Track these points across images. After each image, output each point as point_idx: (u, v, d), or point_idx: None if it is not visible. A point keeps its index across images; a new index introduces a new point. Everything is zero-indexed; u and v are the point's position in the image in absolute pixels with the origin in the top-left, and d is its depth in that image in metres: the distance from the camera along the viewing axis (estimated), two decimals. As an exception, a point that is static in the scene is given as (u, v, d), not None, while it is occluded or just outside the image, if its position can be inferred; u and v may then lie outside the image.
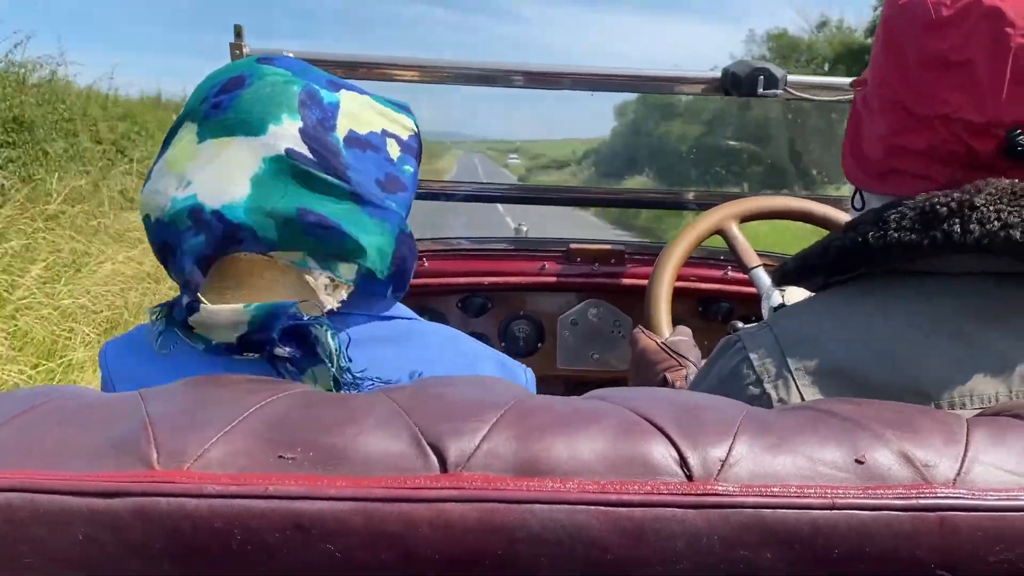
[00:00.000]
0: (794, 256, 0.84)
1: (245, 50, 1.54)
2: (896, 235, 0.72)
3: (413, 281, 1.81)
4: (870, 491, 0.48)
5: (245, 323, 0.74)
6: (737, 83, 1.58)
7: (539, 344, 1.89)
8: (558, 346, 1.88)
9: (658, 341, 1.30)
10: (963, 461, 0.51)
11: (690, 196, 2.07)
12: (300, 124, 0.78)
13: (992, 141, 0.73)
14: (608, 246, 1.88)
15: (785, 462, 0.50)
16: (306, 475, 0.47)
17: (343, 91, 0.83)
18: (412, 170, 0.85)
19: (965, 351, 0.72)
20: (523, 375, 0.90)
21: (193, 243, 0.77)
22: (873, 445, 0.51)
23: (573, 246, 1.87)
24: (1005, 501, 0.49)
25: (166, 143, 0.83)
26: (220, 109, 0.79)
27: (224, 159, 0.77)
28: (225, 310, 0.75)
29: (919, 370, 0.72)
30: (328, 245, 0.78)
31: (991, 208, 0.69)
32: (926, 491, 0.49)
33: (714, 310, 1.86)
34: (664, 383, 1.25)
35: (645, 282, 1.50)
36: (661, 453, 0.49)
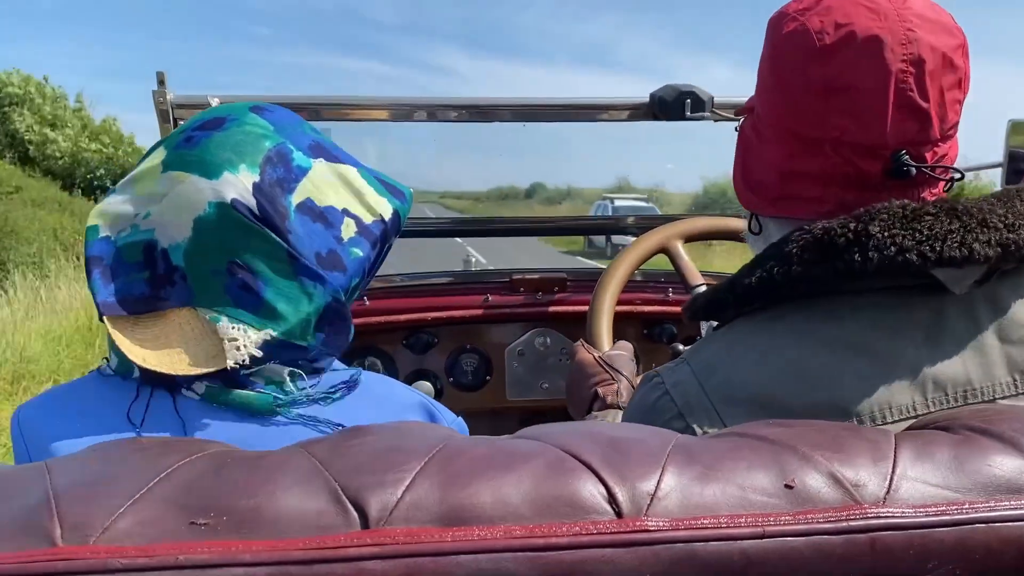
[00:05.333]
0: (703, 293, 0.85)
1: (168, 96, 1.51)
2: (799, 268, 0.74)
3: (356, 321, 1.78)
4: (800, 516, 0.48)
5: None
6: (664, 107, 1.60)
7: (488, 377, 1.87)
8: (507, 378, 1.87)
9: (595, 355, 1.30)
10: (891, 478, 0.51)
11: (629, 220, 2.08)
12: (256, 179, 0.78)
13: (879, 163, 0.75)
14: (550, 274, 1.88)
15: (715, 491, 0.49)
16: (220, 541, 0.45)
17: (321, 160, 0.83)
18: (361, 255, 0.83)
19: (877, 365, 0.73)
20: (450, 422, 0.88)
21: (134, 278, 0.78)
22: (802, 468, 0.51)
23: (515, 276, 1.86)
24: (934, 517, 0.49)
25: (141, 160, 0.83)
26: (190, 144, 0.80)
27: (177, 194, 0.77)
28: (162, 366, 0.75)
29: (834, 389, 0.72)
30: (246, 307, 0.77)
31: (886, 234, 0.71)
32: (856, 512, 0.49)
33: (658, 332, 1.87)
34: (595, 397, 1.25)
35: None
36: (589, 491, 0.48)
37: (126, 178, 0.82)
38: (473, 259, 2.66)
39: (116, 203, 0.80)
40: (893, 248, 0.70)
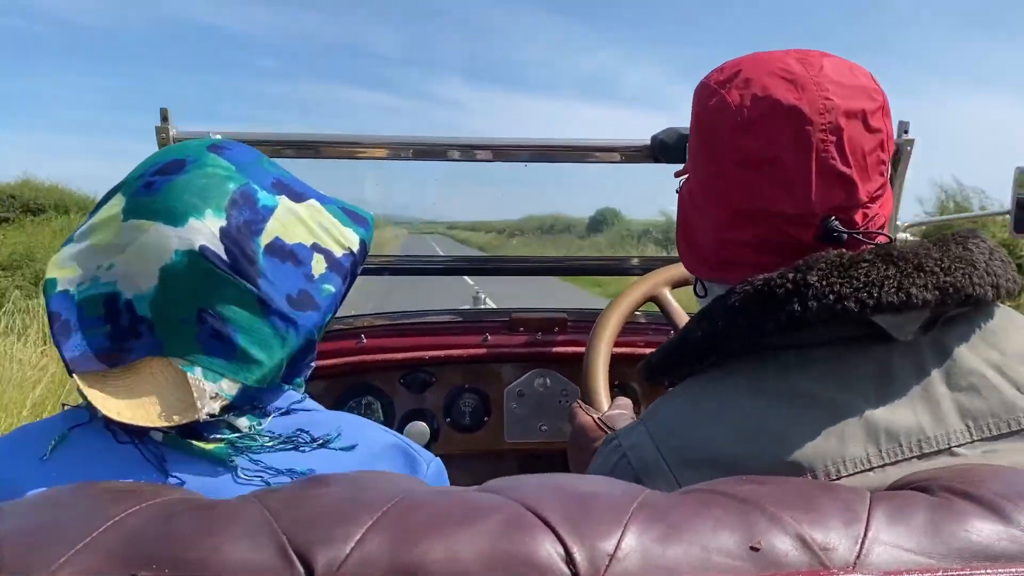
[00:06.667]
0: (656, 351, 0.85)
1: (172, 132, 1.52)
2: (744, 320, 0.74)
3: (353, 359, 1.76)
4: (765, 581, 0.46)
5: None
6: (666, 150, 1.60)
7: (486, 418, 1.84)
8: (505, 419, 1.84)
9: (594, 416, 1.28)
10: (863, 542, 0.49)
11: (634, 262, 2.07)
12: (223, 223, 0.76)
13: (810, 231, 0.77)
14: (551, 314, 1.87)
15: (677, 553, 0.47)
16: (161, 594, 0.43)
17: (285, 196, 0.81)
18: (333, 290, 0.82)
19: (828, 418, 0.72)
20: (425, 466, 0.86)
21: (96, 332, 0.75)
22: (770, 529, 0.49)
23: (515, 315, 1.85)
24: (905, 584, 0.47)
25: (96, 208, 0.81)
26: (150, 190, 0.77)
27: (140, 244, 0.75)
28: (136, 419, 0.74)
29: (788, 445, 0.71)
30: (219, 355, 0.75)
31: (824, 283, 0.71)
32: (824, 577, 0.47)
33: (657, 379, 1.85)
34: None
35: None
36: (547, 551, 0.46)
37: (82, 227, 0.80)
38: (483, 296, 2.64)
39: (74, 255, 0.78)
40: (832, 296, 0.70)
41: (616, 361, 1.45)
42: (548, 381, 1.84)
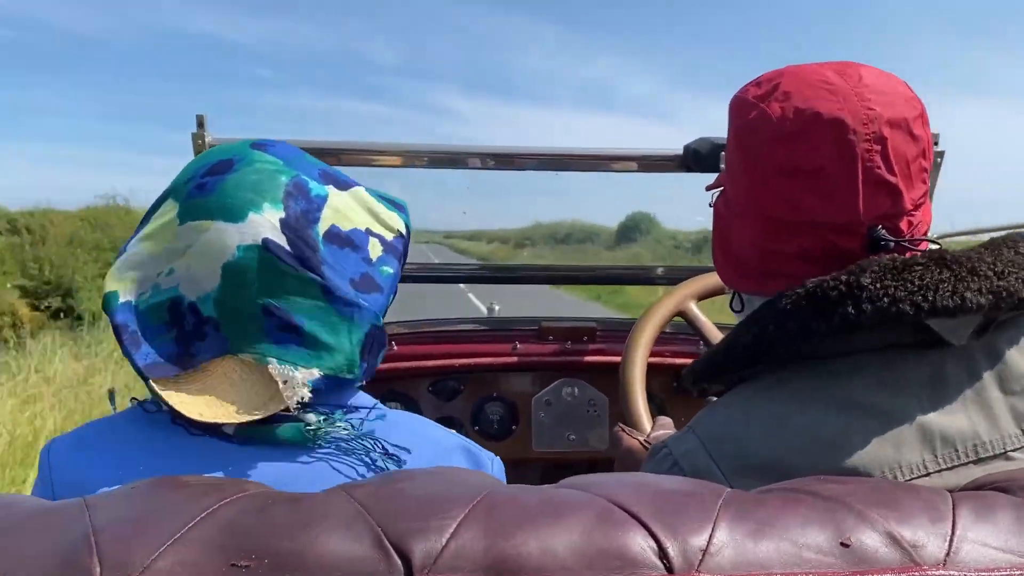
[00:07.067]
0: (702, 357, 0.85)
1: (208, 139, 1.53)
2: (795, 324, 0.73)
3: (381, 366, 1.77)
4: (859, 576, 0.46)
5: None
6: (699, 159, 1.60)
7: (513, 427, 1.84)
8: (533, 428, 1.84)
9: (640, 439, 1.27)
10: (951, 540, 0.49)
11: (659, 271, 2.06)
12: (282, 215, 0.77)
13: (856, 239, 0.77)
14: (580, 323, 1.87)
15: (768, 548, 0.47)
16: (261, 585, 0.43)
17: (332, 185, 0.82)
18: (391, 271, 0.83)
19: (882, 425, 0.72)
20: (490, 464, 0.87)
21: (163, 339, 0.76)
22: (858, 526, 0.49)
23: (545, 324, 1.85)
24: (998, 581, 0.47)
25: (146, 218, 0.81)
26: (204, 191, 0.78)
27: (201, 244, 0.76)
28: (218, 418, 0.74)
29: (843, 453, 0.71)
30: (290, 344, 0.76)
31: (878, 286, 0.71)
32: (915, 573, 0.47)
33: (702, 386, 1.84)
34: None
35: (619, 359, 1.48)
36: (639, 545, 0.47)
37: (136, 237, 0.80)
38: (497, 309, 2.64)
39: (132, 264, 0.79)
40: (886, 299, 0.70)
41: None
42: (576, 391, 1.84)
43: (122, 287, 0.78)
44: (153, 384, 0.75)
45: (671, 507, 0.49)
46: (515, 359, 1.81)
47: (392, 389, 1.79)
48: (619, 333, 1.81)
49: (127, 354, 0.76)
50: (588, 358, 1.82)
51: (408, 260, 0.89)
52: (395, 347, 1.78)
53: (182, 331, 0.76)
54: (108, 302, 0.78)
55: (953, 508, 0.52)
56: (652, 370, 1.63)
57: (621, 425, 1.34)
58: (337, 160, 1.71)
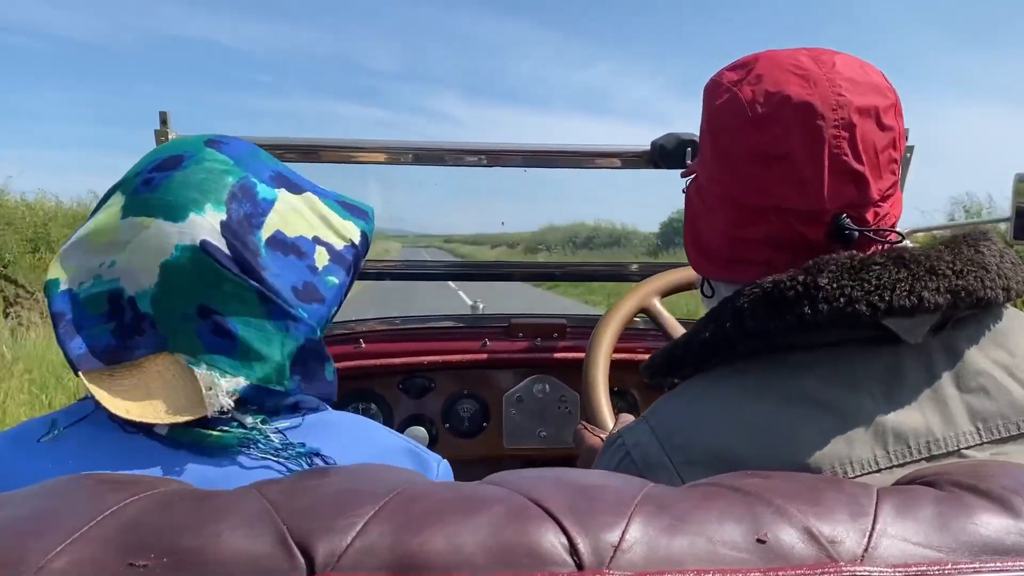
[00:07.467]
0: (661, 351, 0.84)
1: (171, 135, 1.52)
2: (752, 323, 0.73)
3: (351, 364, 1.76)
4: (771, 572, 0.45)
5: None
6: (665, 155, 1.60)
7: (484, 424, 1.84)
8: (504, 425, 1.84)
9: (601, 436, 1.26)
10: (871, 535, 0.48)
11: (634, 268, 2.06)
12: (223, 216, 0.75)
13: (821, 228, 0.76)
14: (549, 320, 1.86)
15: (682, 544, 0.47)
16: (158, 584, 0.42)
17: (283, 189, 0.81)
18: (337, 282, 0.82)
19: (836, 420, 0.71)
20: (436, 466, 0.85)
21: (100, 329, 0.75)
22: (776, 522, 0.48)
23: (514, 321, 1.84)
24: (914, 577, 0.46)
25: (97, 208, 0.80)
26: (149, 186, 0.77)
27: (141, 240, 0.75)
28: (145, 416, 0.73)
29: (795, 445, 0.71)
30: (221, 351, 0.75)
31: (835, 286, 0.70)
32: (831, 570, 0.46)
33: (659, 379, 1.83)
34: None
35: None
36: (550, 541, 0.46)
37: (83, 228, 0.79)
38: (481, 307, 2.63)
39: (75, 254, 0.78)
40: (843, 299, 0.69)
41: (615, 367, 1.44)
42: (547, 387, 1.83)
43: (64, 275, 0.77)
44: (83, 376, 0.74)
45: (586, 502, 0.48)
46: (485, 356, 1.80)
47: (362, 387, 1.78)
48: (589, 329, 1.80)
49: (61, 342, 0.75)
50: (558, 354, 1.81)
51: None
52: (363, 345, 1.77)
53: (121, 323, 0.75)
54: (48, 288, 0.77)
55: (876, 503, 0.51)
56: (623, 366, 1.63)
57: (583, 423, 1.33)
58: (317, 157, 1.70)
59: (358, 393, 1.78)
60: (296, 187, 0.82)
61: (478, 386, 1.83)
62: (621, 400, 1.83)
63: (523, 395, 1.83)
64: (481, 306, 2.60)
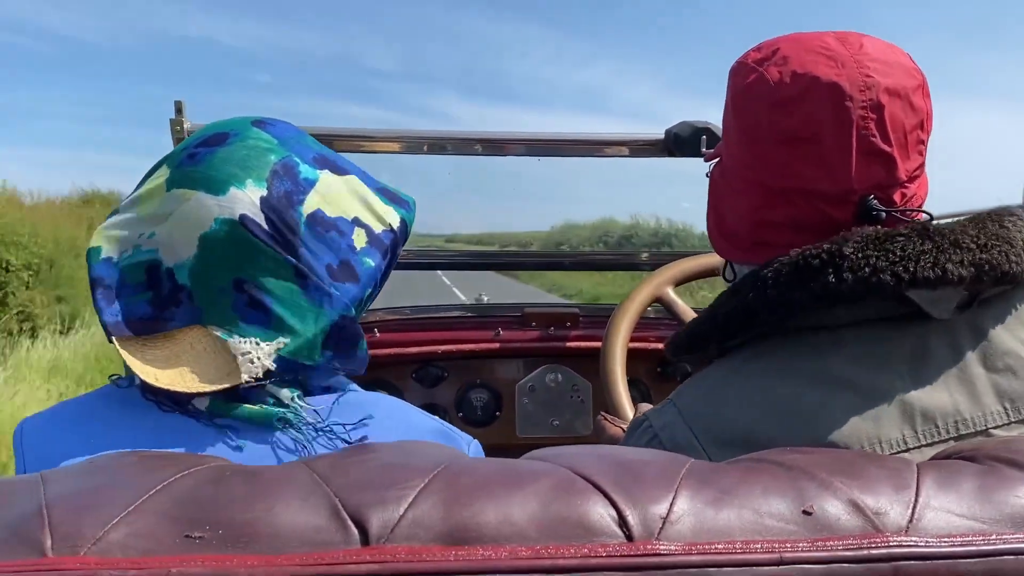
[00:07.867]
0: (684, 327, 0.84)
1: (186, 125, 1.52)
2: (775, 292, 0.73)
3: None
4: (819, 543, 0.46)
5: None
6: (680, 144, 1.60)
7: (497, 413, 1.84)
8: (517, 414, 1.84)
9: (623, 427, 1.27)
10: (914, 507, 0.49)
11: (643, 256, 2.06)
12: (264, 193, 0.77)
13: (848, 209, 0.76)
14: (562, 309, 1.86)
15: (729, 516, 0.47)
16: (214, 555, 0.43)
17: (327, 170, 0.82)
18: (373, 264, 0.82)
19: (863, 399, 0.71)
20: (467, 447, 0.86)
21: (138, 299, 0.77)
22: (821, 494, 0.49)
23: (528, 310, 1.84)
24: (959, 547, 0.47)
25: (142, 181, 0.82)
26: (194, 160, 0.79)
27: (182, 212, 0.77)
28: (174, 385, 0.74)
29: (822, 426, 0.71)
30: (256, 323, 0.76)
31: (860, 255, 0.70)
32: (878, 540, 0.46)
33: (672, 370, 1.84)
34: None
35: (601, 344, 1.47)
36: (599, 513, 0.46)
37: (128, 199, 0.81)
38: (485, 299, 2.64)
39: (118, 224, 0.80)
40: (867, 269, 0.70)
41: (627, 356, 1.44)
42: (559, 376, 1.84)
43: (105, 244, 0.79)
44: (116, 343, 0.75)
45: (632, 476, 0.49)
46: (498, 345, 1.80)
47: (375, 377, 1.78)
48: (601, 319, 1.81)
49: (97, 309, 0.77)
50: (571, 344, 1.82)
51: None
52: (377, 334, 1.77)
53: (158, 294, 0.77)
54: (90, 256, 0.79)
55: (917, 476, 0.51)
56: (636, 356, 1.63)
57: (603, 414, 1.34)
58: (331, 145, 1.70)
59: (372, 382, 1.78)
60: (340, 169, 0.84)
61: (491, 375, 1.84)
62: (633, 389, 1.84)
63: (536, 384, 1.83)
64: (486, 299, 2.60)
